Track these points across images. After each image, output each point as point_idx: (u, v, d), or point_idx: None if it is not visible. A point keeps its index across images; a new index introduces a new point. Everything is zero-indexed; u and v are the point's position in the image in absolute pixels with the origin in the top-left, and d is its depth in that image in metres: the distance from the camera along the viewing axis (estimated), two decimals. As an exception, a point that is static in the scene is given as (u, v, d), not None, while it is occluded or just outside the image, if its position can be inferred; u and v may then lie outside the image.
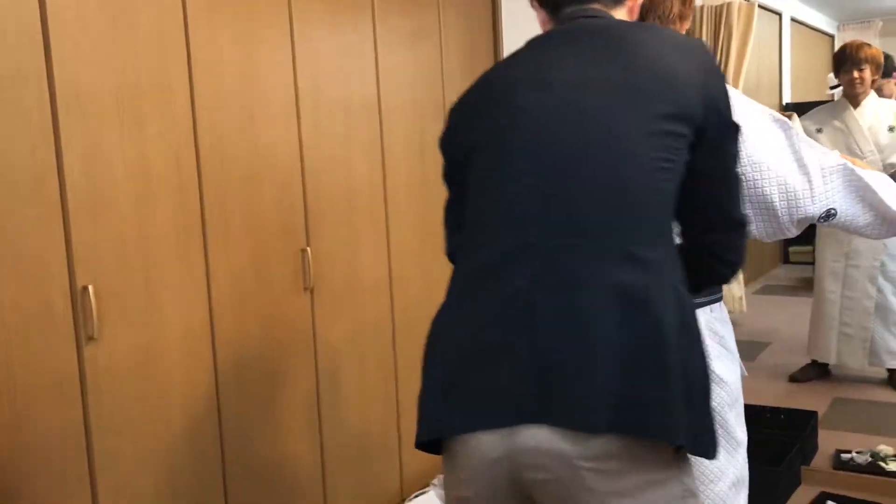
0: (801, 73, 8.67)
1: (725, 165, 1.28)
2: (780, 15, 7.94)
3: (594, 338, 1.10)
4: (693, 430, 1.12)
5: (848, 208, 1.59)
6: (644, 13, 1.65)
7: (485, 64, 3.32)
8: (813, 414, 3.38)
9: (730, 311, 5.48)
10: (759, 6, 5.43)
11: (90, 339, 1.88)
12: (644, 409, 1.09)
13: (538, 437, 1.10)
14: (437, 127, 2.84)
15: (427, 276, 3.02)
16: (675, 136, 1.19)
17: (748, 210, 1.61)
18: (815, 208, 1.58)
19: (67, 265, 1.85)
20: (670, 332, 1.11)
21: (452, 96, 3.28)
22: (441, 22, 3.13)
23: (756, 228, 1.63)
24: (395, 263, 2.89)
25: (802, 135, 1.62)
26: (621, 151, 1.17)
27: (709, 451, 1.15)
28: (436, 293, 2.83)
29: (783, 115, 4.38)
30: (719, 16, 5.28)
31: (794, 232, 1.66)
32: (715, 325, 1.68)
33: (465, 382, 1.17)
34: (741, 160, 1.55)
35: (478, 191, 1.27)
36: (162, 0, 2.06)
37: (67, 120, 1.85)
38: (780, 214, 1.59)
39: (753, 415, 3.52)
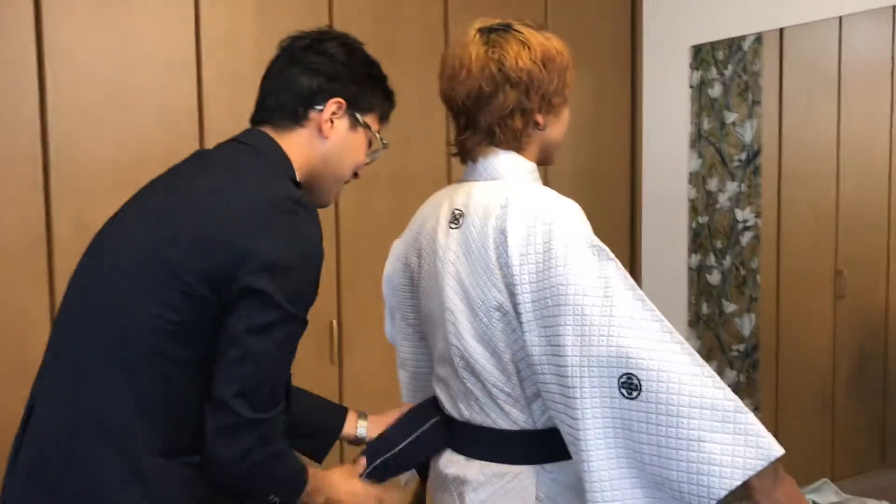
0: None
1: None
2: None
3: None
4: None
5: (659, 375, 1.12)
6: (474, 112, 1.36)
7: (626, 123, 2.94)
8: None
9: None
10: None
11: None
12: None
13: None
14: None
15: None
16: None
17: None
18: (603, 347, 1.13)
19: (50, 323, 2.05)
20: None
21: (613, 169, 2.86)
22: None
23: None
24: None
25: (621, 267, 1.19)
26: None
27: None
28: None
29: None
30: None
31: (578, 417, 1.16)
32: (549, 486, 1.34)
33: None
34: (537, 289, 1.23)
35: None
36: (175, 77, 2.18)
37: (61, 193, 2.05)
38: (569, 357, 1.15)
39: None
